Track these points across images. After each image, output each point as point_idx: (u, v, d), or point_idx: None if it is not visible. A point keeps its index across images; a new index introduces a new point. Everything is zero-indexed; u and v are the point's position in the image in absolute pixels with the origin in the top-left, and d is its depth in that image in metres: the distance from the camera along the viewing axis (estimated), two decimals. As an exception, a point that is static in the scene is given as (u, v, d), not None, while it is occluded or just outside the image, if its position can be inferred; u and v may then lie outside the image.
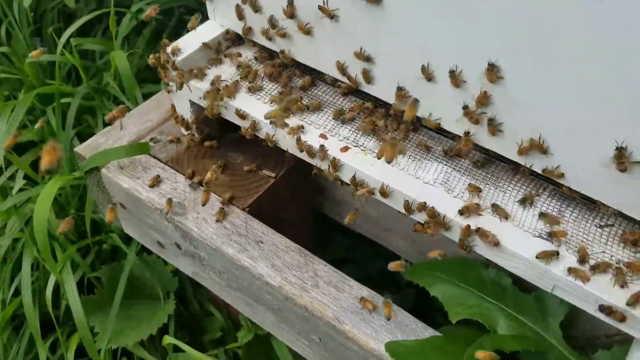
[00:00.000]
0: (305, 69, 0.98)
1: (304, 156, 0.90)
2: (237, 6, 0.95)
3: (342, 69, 0.88)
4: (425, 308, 1.11)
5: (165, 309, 1.23)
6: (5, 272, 1.22)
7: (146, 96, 1.28)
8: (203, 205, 0.96)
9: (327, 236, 1.35)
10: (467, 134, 0.80)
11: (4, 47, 1.47)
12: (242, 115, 0.94)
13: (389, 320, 0.84)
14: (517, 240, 0.76)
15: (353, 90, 0.93)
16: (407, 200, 0.82)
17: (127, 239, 1.27)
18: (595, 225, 0.77)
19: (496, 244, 0.75)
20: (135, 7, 1.38)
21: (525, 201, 0.79)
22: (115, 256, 1.35)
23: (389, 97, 0.87)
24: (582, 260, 0.72)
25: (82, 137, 1.32)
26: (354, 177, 0.86)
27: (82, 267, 1.26)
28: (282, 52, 0.95)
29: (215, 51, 1.01)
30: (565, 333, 0.90)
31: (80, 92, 1.32)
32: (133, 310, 1.24)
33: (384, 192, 0.82)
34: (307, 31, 0.88)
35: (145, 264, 1.26)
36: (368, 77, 0.86)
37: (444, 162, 0.86)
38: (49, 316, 1.23)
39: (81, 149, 1.09)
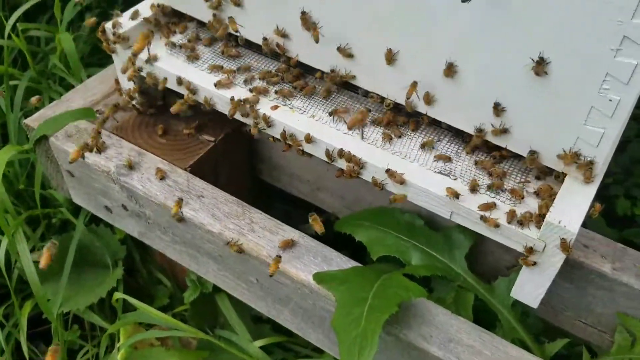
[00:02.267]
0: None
1: (237, 116, 1.01)
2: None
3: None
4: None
5: (114, 274, 1.30)
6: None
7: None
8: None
9: (267, 203, 1.45)
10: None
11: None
12: (181, 82, 1.04)
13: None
14: (421, 177, 0.89)
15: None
16: (328, 149, 0.93)
17: (76, 213, 1.34)
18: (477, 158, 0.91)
19: (402, 182, 0.88)
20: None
21: (425, 146, 0.92)
22: (65, 231, 1.42)
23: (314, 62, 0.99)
24: (473, 189, 0.85)
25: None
26: (284, 131, 0.97)
27: (32, 240, 1.33)
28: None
29: (155, 25, 1.10)
30: (471, 268, 1.04)
31: (27, 75, 1.38)
32: (83, 278, 1.30)
33: (309, 139, 0.94)
34: (236, 2, 0.99)
35: (94, 234, 1.33)
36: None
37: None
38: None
39: (30, 120, 1.16)
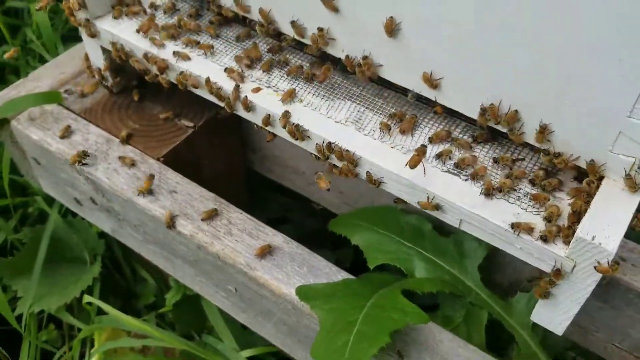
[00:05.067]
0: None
1: (213, 99, 0.87)
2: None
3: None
4: (365, 269, 1.09)
5: (90, 271, 1.18)
6: None
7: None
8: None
9: (263, 196, 1.31)
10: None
11: None
12: (149, 58, 0.90)
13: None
14: (425, 175, 0.73)
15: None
16: (318, 143, 0.78)
17: (53, 202, 1.22)
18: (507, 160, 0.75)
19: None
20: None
21: (432, 140, 0.76)
22: (42, 222, 1.30)
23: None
24: (488, 193, 0.70)
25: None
26: (267, 117, 0.83)
27: (4, 230, 1.21)
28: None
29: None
30: (488, 279, 0.89)
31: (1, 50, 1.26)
32: (58, 274, 1.19)
33: (293, 132, 0.79)
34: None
35: (71, 226, 1.21)
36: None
37: (357, 102, 0.83)
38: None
39: (-12, 101, 1.03)
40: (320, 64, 0.86)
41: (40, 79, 1.07)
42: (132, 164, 0.93)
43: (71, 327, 1.29)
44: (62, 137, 0.96)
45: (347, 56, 0.79)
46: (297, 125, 0.79)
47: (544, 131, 0.67)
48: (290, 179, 1.13)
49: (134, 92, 1.00)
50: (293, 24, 0.81)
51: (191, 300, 1.16)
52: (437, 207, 0.70)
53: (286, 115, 0.80)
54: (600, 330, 0.88)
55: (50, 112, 1.01)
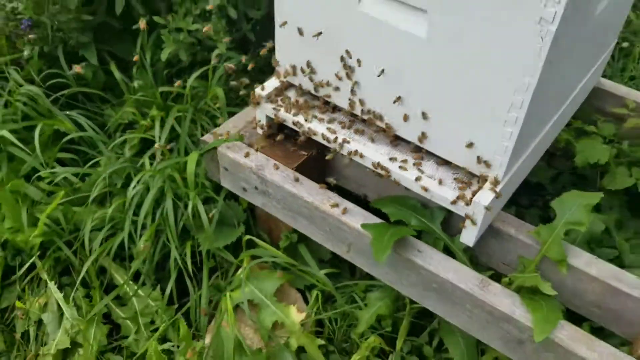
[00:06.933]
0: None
1: (324, 142, 1.93)
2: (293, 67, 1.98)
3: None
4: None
5: (238, 230, 2.21)
6: (149, 207, 2.20)
7: (230, 113, 2.31)
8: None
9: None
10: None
11: (138, 80, 2.49)
12: (296, 123, 1.96)
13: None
14: (417, 181, 1.79)
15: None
16: (373, 162, 1.84)
17: (217, 192, 2.26)
18: (451, 173, 1.80)
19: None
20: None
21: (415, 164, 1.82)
22: (206, 203, 2.34)
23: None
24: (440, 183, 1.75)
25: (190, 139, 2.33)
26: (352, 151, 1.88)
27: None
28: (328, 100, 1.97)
29: (281, 91, 2.03)
30: (445, 229, 1.93)
31: (191, 110, 2.33)
32: (220, 230, 2.21)
33: (359, 155, 1.85)
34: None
35: (228, 206, 2.25)
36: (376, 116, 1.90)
37: (391, 147, 1.88)
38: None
39: (205, 137, 2.09)
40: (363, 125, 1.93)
41: (227, 128, 2.13)
42: (277, 167, 1.98)
43: (221, 262, 2.32)
44: (245, 156, 2.02)
45: (387, 124, 1.86)
46: (361, 154, 1.85)
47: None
48: (349, 184, 2.19)
49: (280, 135, 2.05)
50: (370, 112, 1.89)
51: (292, 246, 2.20)
52: (426, 189, 1.75)
53: (356, 152, 1.87)
54: (495, 255, 1.91)
55: (237, 144, 2.07)
